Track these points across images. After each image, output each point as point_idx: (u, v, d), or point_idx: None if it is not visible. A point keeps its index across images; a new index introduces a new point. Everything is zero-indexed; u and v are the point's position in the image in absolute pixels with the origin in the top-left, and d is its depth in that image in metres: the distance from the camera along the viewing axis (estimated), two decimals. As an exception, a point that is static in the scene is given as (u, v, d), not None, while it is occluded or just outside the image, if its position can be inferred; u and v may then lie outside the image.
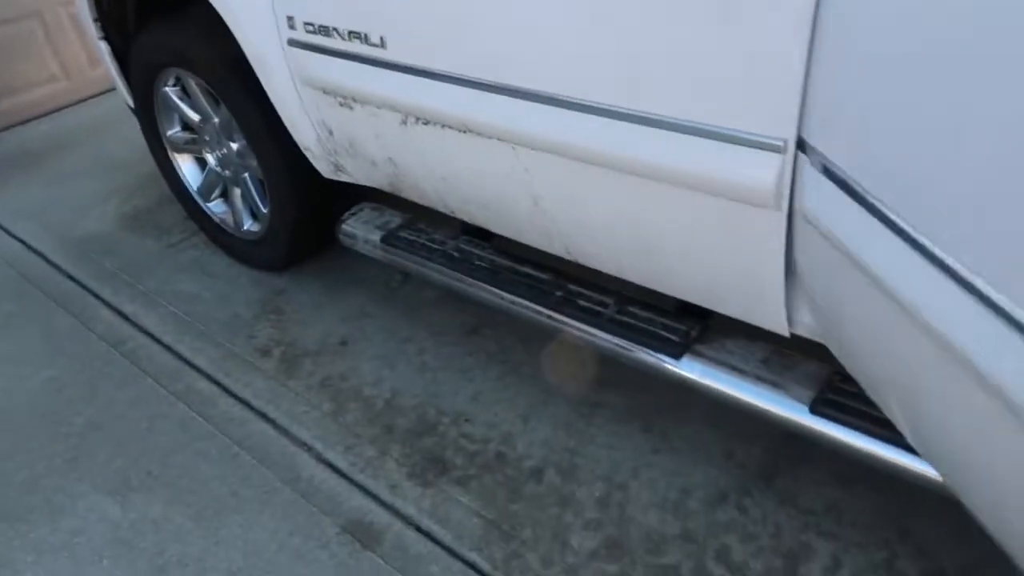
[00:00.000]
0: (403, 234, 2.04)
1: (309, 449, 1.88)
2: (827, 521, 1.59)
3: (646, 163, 1.34)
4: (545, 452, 1.80)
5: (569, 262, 1.70)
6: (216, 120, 2.26)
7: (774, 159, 1.18)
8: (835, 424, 1.40)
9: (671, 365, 1.55)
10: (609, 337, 1.63)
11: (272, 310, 2.33)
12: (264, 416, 1.98)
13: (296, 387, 2.06)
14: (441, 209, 1.90)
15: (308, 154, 2.03)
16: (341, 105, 1.83)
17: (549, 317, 1.72)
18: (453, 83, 1.55)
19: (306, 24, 1.76)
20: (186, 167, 2.51)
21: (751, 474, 1.71)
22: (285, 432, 1.93)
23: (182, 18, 2.17)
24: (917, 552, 1.52)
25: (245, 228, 2.38)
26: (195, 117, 2.32)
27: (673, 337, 1.57)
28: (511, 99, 1.47)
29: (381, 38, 1.64)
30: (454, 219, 1.92)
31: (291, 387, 2.06)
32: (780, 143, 1.16)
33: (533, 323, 1.78)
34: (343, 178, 2.05)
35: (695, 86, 1.24)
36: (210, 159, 2.41)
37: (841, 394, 1.43)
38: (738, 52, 1.17)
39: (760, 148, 1.19)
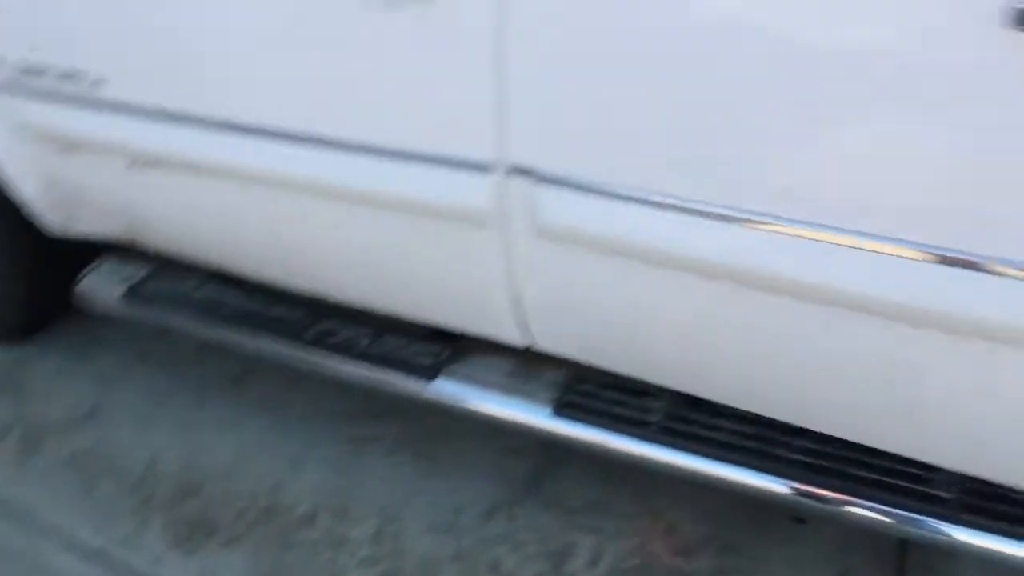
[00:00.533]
0: (149, 287, 1.91)
1: (57, 534, 1.71)
2: (589, 517, 1.67)
3: (368, 191, 1.37)
4: (316, 496, 1.76)
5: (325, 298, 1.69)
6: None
7: (486, 179, 1.24)
8: (579, 423, 1.49)
9: (425, 388, 1.58)
10: (364, 369, 1.63)
11: (8, 387, 2.10)
12: (3, 506, 1.78)
13: (39, 468, 1.86)
14: (188, 257, 1.82)
15: (32, 209, 1.86)
16: (63, 152, 1.71)
17: (303, 356, 1.69)
18: (174, 121, 1.50)
19: (13, 66, 1.64)
20: None
21: (519, 484, 1.76)
22: (30, 520, 1.74)
23: None
24: (667, 531, 1.64)
25: (-39, 301, 2.12)
26: None
27: (425, 361, 1.60)
28: (232, 135, 1.45)
29: (97, 77, 1.55)
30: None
31: (33, 469, 1.86)
32: (489, 163, 1.23)
33: (291, 365, 1.74)
34: (76, 233, 1.91)
35: (405, 113, 1.29)
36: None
37: (583, 395, 1.52)
38: (435, 78, 1.23)
39: (471, 169, 1.26)
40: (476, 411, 1.54)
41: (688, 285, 1.17)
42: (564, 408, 1.48)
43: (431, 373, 1.58)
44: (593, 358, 1.43)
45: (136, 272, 1.96)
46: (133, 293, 1.90)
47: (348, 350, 1.66)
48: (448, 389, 1.56)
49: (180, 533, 1.70)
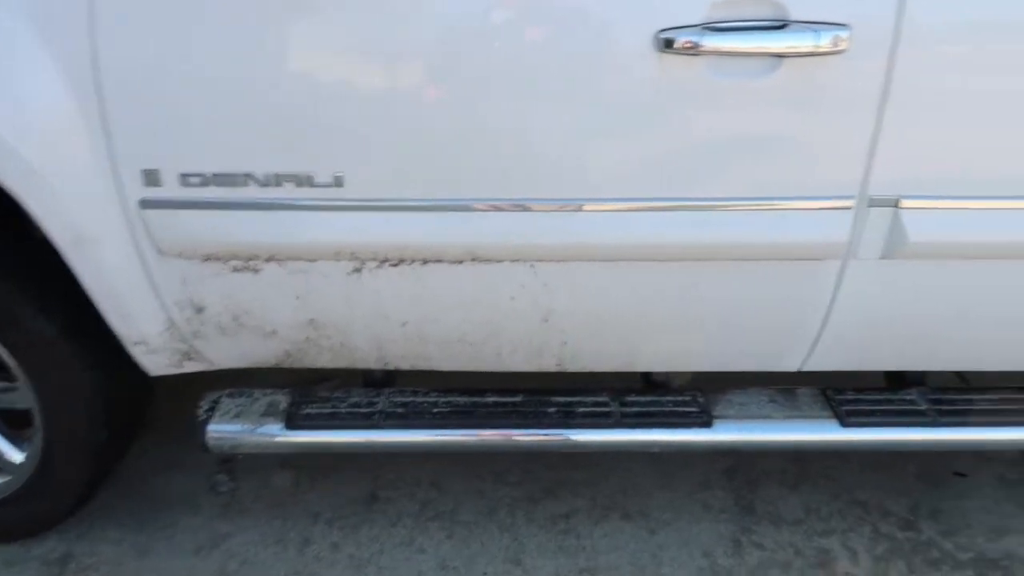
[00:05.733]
0: (311, 410, 1.63)
1: None
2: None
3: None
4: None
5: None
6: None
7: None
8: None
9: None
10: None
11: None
12: None
13: None
14: (371, 365, 1.65)
15: (138, 349, 1.55)
16: (237, 270, 1.46)
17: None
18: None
19: (185, 176, 1.36)
20: None
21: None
22: None
23: None
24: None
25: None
26: None
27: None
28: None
29: (335, 177, 1.36)
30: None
31: None
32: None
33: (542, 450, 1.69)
34: (189, 368, 1.62)
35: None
36: None
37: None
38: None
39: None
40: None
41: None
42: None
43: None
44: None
45: (274, 399, 1.67)
46: (296, 420, 1.61)
47: (611, 418, 1.62)
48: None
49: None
